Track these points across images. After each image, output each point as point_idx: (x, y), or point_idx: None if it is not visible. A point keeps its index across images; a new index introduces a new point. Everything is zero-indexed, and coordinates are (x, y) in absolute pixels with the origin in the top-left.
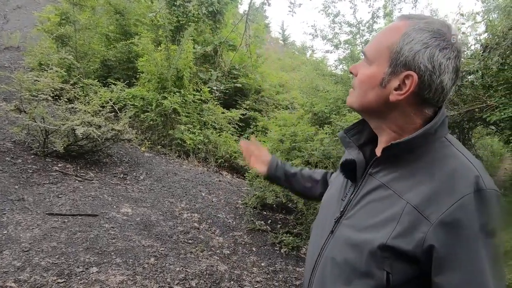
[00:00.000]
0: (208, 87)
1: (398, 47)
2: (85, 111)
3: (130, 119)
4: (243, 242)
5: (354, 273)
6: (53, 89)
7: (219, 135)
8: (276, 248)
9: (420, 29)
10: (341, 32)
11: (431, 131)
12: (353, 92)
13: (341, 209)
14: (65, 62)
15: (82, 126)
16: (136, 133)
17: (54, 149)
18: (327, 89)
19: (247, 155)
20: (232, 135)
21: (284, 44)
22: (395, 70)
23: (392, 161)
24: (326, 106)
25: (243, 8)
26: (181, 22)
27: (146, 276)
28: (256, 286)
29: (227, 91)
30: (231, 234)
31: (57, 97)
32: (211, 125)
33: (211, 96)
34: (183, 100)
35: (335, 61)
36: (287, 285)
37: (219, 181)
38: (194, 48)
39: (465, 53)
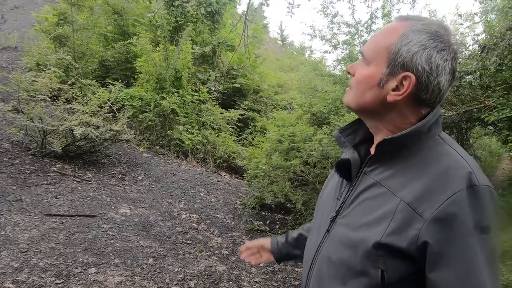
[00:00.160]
0: (206, 88)
1: (396, 48)
2: (83, 111)
3: (128, 120)
4: (241, 243)
5: (350, 272)
6: (51, 90)
7: (217, 136)
8: None
9: (418, 30)
10: (340, 33)
11: (424, 129)
12: (350, 92)
13: (337, 208)
14: (63, 63)
15: (80, 127)
16: (134, 134)
17: (52, 149)
18: (326, 89)
19: (251, 258)
20: (230, 135)
21: (283, 45)
22: (393, 71)
23: (386, 159)
24: (325, 106)
25: (241, 8)
26: (179, 22)
27: (144, 276)
28: (255, 286)
29: (226, 91)
30: (229, 234)
31: (55, 98)
32: (209, 125)
33: (210, 96)
34: (182, 101)
35: (334, 61)
36: (286, 285)
37: (218, 181)
38: (192, 48)
39: (463, 53)
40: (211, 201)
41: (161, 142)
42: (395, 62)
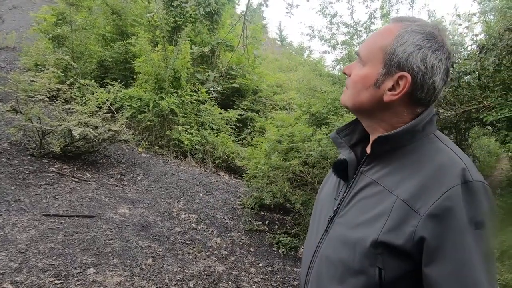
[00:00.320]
0: (205, 88)
1: (392, 48)
2: (82, 111)
3: (127, 120)
4: (241, 243)
5: (348, 271)
6: (49, 90)
7: (216, 136)
8: (274, 249)
9: (413, 31)
10: (339, 33)
11: (419, 128)
12: (347, 91)
13: (334, 208)
14: (62, 63)
15: (79, 127)
16: (133, 134)
17: (51, 150)
18: (325, 89)
19: None
20: (229, 135)
21: (282, 45)
22: (389, 71)
23: (382, 158)
24: (324, 106)
25: (240, 8)
26: (178, 22)
27: (143, 277)
28: (254, 286)
29: (225, 91)
30: (229, 234)
31: (53, 98)
32: (208, 125)
33: (209, 96)
34: (181, 101)
35: (333, 61)
36: (285, 285)
37: (217, 181)
38: (191, 48)
39: (462, 53)
40: (210, 201)
41: (160, 143)
42: (391, 62)
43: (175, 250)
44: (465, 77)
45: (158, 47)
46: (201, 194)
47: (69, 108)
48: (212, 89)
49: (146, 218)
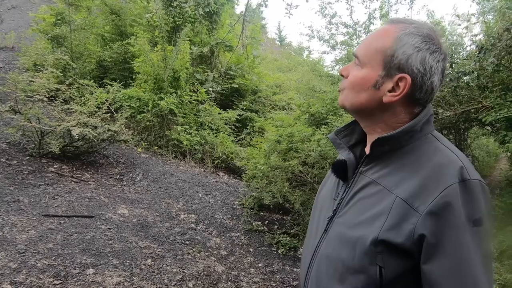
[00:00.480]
0: (205, 88)
1: (392, 50)
2: (81, 112)
3: (126, 120)
4: (240, 243)
5: (348, 270)
6: (48, 90)
7: (215, 136)
8: (273, 249)
9: (412, 33)
10: (338, 33)
11: (417, 128)
12: (344, 93)
13: (334, 208)
14: (61, 63)
15: (78, 127)
16: (132, 134)
17: (50, 150)
18: (324, 89)
19: None
20: (229, 135)
21: (281, 45)
22: (389, 73)
23: (381, 158)
24: (323, 107)
25: (239, 8)
26: (177, 22)
27: (143, 277)
28: (254, 286)
29: (224, 91)
30: (228, 235)
31: (52, 98)
32: (207, 125)
33: (208, 97)
34: (180, 101)
35: (332, 62)
36: (284, 285)
37: (216, 182)
38: (190, 49)
39: (461, 54)
40: (209, 202)
41: (159, 143)
42: (391, 64)
43: (174, 251)
44: (464, 78)
45: (157, 47)
46: (200, 194)
47: (68, 108)
48: (211, 89)
49: (146, 219)
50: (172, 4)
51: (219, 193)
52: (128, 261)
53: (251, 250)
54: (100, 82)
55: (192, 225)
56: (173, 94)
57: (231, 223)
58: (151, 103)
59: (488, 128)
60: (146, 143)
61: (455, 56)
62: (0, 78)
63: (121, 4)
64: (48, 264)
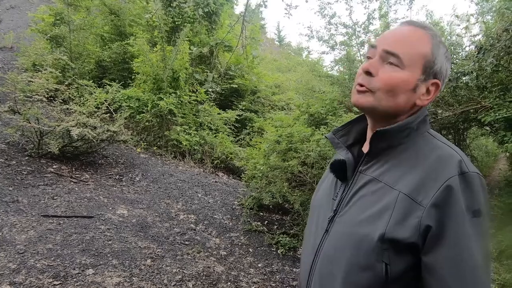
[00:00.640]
0: (204, 89)
1: (434, 57)
2: (80, 112)
3: (125, 120)
4: (239, 243)
5: (353, 269)
6: (47, 90)
7: (215, 136)
8: (272, 249)
9: (441, 42)
10: (337, 33)
11: (413, 125)
12: (376, 95)
13: (334, 208)
14: (60, 63)
15: (78, 127)
16: (131, 134)
17: (49, 150)
18: (323, 90)
19: None
20: (228, 136)
21: (280, 45)
22: (427, 78)
23: (380, 156)
24: (322, 107)
25: (239, 9)
26: (176, 23)
27: (142, 277)
28: (253, 287)
29: (223, 92)
30: (227, 235)
31: (51, 98)
32: (207, 126)
33: (207, 97)
34: (179, 101)
35: (331, 62)
36: (284, 285)
37: (215, 182)
38: (190, 49)
39: (460, 54)
40: (209, 202)
41: (158, 143)
42: (430, 70)
43: (174, 251)
44: (463, 78)
45: (156, 48)
46: (199, 195)
47: (68, 109)
48: (211, 89)
49: (145, 219)
50: (171, 4)
51: (218, 193)
52: (127, 262)
53: (250, 250)
54: (99, 82)
55: (192, 225)
56: (172, 94)
57: (230, 223)
58: (150, 103)
59: (487, 128)
60: (145, 143)
61: (454, 56)
62: None
63: (120, 4)
64: (48, 265)
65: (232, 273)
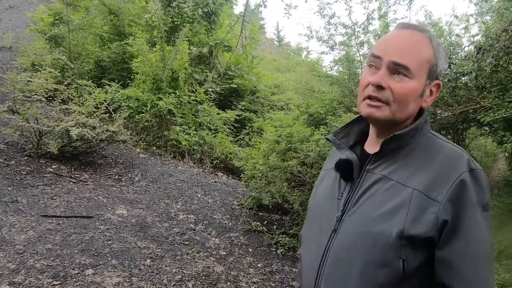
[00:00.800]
0: (204, 89)
1: (436, 61)
2: (79, 112)
3: (124, 120)
4: (239, 243)
5: (369, 266)
6: (46, 90)
7: (214, 136)
8: (272, 249)
9: (440, 44)
10: (336, 34)
11: (419, 127)
12: (391, 107)
13: (341, 208)
14: (59, 63)
15: (77, 127)
16: (131, 134)
17: (48, 150)
18: (323, 90)
19: None
20: (227, 136)
21: (279, 45)
22: (430, 81)
23: (388, 156)
24: (322, 107)
25: (238, 9)
26: (176, 23)
27: (142, 277)
28: (253, 287)
29: (222, 92)
30: (227, 235)
31: (51, 98)
32: (206, 126)
33: (206, 97)
34: (178, 101)
35: (331, 62)
36: (284, 285)
37: (215, 182)
38: (189, 49)
39: (459, 54)
40: (208, 202)
41: (157, 143)
42: (433, 74)
43: (173, 251)
44: (463, 78)
45: (156, 48)
46: (199, 195)
47: (67, 109)
48: (211, 89)
49: (144, 219)
50: (171, 4)
51: (218, 193)
52: (127, 262)
53: (250, 250)
54: (98, 82)
55: (191, 225)
56: (171, 94)
57: (230, 224)
58: (150, 103)
59: (486, 128)
60: (144, 143)
61: (454, 56)
62: None
63: (119, 4)
64: (47, 265)
65: (231, 273)
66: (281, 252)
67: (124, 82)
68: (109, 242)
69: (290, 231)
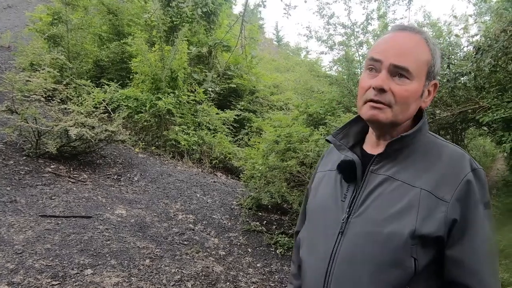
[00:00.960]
0: (203, 89)
1: (433, 62)
2: (78, 112)
3: (123, 120)
4: (238, 243)
5: (381, 266)
6: (45, 90)
7: (213, 136)
8: (271, 249)
9: (435, 44)
10: (336, 34)
11: (419, 128)
12: (394, 110)
13: (347, 209)
14: (58, 63)
15: (76, 127)
16: (129, 134)
17: (47, 150)
18: (322, 90)
19: None
20: (226, 136)
21: (279, 45)
22: (429, 81)
23: (391, 157)
24: (321, 107)
25: (237, 9)
26: (175, 22)
27: (141, 277)
28: (252, 287)
29: (222, 92)
30: (226, 235)
31: (49, 98)
32: (205, 126)
33: (206, 97)
34: (177, 101)
35: (330, 62)
36: (283, 285)
37: (214, 182)
38: (188, 49)
39: (458, 54)
40: (207, 202)
41: (156, 143)
42: (431, 74)
43: (172, 251)
44: (461, 78)
45: (155, 47)
46: (198, 195)
47: (66, 108)
48: (210, 89)
49: (143, 219)
50: (170, 4)
51: (217, 193)
52: (126, 262)
53: (249, 250)
54: (97, 82)
55: (190, 225)
56: (170, 94)
57: (229, 223)
58: (149, 103)
59: (485, 128)
60: (143, 143)
61: (453, 57)
62: None
63: (118, 3)
64: (46, 265)
65: (231, 273)
66: (280, 252)
67: (123, 82)
68: (108, 242)
69: (289, 231)
